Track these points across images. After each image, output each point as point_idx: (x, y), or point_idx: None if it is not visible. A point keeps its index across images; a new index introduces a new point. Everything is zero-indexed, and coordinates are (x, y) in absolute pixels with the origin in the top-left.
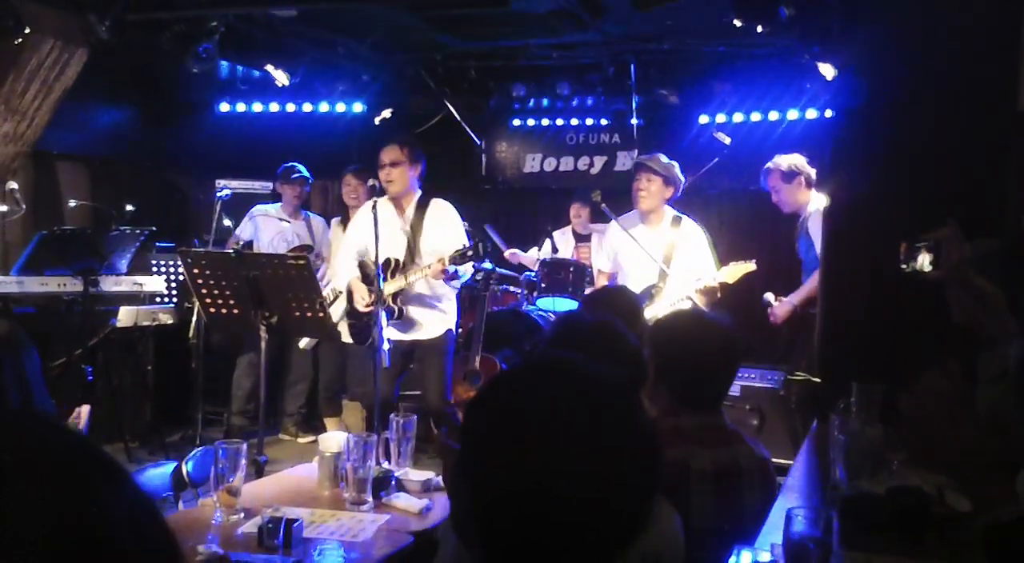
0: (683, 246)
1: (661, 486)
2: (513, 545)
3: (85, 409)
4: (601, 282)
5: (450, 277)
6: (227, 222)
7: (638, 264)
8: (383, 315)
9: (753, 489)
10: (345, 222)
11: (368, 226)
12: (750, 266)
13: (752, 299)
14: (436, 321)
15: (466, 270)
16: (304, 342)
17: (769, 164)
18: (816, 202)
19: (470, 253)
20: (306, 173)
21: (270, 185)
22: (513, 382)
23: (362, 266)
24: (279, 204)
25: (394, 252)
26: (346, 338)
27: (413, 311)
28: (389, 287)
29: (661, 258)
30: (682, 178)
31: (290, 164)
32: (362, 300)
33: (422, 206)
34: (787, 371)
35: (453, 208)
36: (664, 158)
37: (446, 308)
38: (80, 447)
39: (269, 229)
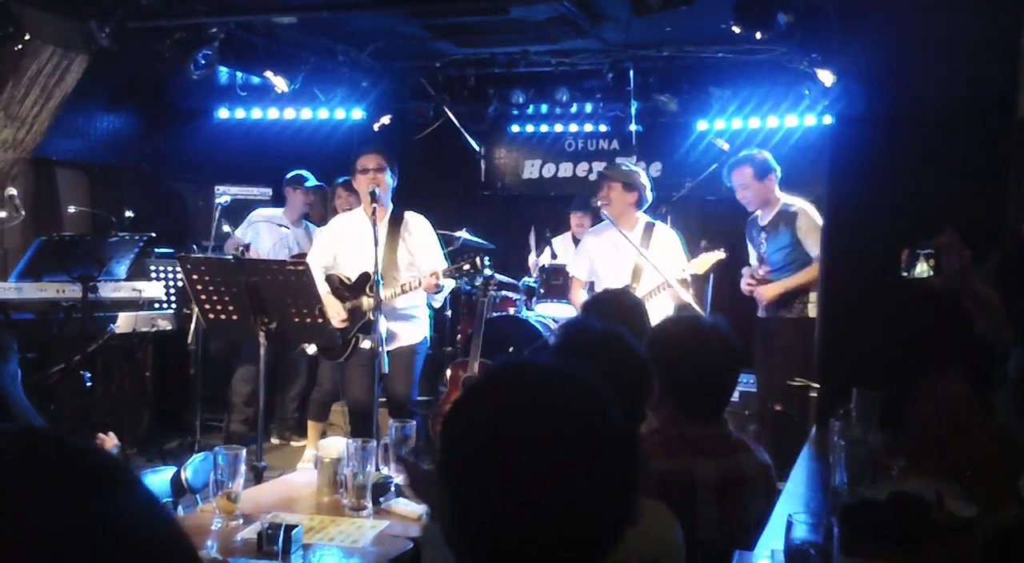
0: (654, 249)
1: (662, 495)
2: (501, 550)
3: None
4: (577, 289)
5: (437, 290)
6: (226, 228)
7: (611, 268)
8: (382, 322)
9: (757, 497)
10: None
11: (338, 237)
12: (719, 255)
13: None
14: (412, 330)
15: (450, 284)
16: (313, 348)
17: (741, 156)
18: (788, 199)
19: (467, 267)
20: (316, 182)
21: (269, 191)
22: (483, 391)
23: (329, 280)
24: (281, 210)
25: (369, 266)
26: (311, 351)
27: (390, 323)
28: (367, 302)
29: (632, 262)
30: (646, 183)
31: (301, 171)
32: (337, 316)
33: (396, 219)
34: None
35: (427, 221)
36: (627, 165)
37: (421, 317)
38: (72, 453)
39: (271, 235)
